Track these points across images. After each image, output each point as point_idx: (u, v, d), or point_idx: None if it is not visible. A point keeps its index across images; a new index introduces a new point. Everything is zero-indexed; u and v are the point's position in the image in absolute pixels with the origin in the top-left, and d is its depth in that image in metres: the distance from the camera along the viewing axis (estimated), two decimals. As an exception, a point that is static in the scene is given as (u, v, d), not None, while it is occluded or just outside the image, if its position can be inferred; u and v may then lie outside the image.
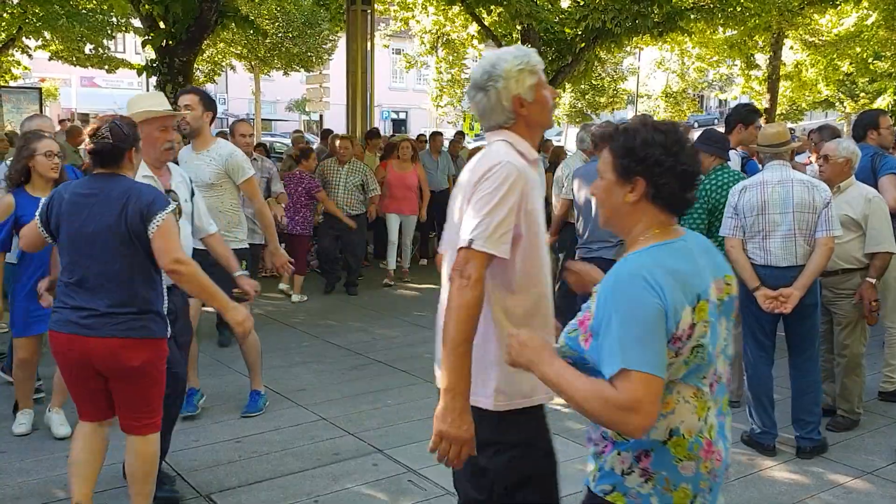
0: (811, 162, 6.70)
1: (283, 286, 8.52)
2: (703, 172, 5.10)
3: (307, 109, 25.92)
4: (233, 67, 26.81)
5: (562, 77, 15.74)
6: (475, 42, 19.42)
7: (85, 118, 23.19)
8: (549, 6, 14.47)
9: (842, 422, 4.82)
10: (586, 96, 30.11)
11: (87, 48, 19.51)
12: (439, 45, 21.98)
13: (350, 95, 13.46)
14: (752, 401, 4.56)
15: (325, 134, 13.28)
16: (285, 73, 26.88)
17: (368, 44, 13.43)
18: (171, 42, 10.07)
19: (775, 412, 4.54)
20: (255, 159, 6.44)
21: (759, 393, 4.52)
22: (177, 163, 4.42)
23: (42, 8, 14.90)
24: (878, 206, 4.74)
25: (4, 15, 15.65)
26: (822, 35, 21.51)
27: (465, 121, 31.66)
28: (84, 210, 3.04)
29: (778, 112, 23.08)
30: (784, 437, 4.54)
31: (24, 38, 17.74)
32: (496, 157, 2.29)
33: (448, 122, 31.82)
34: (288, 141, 19.50)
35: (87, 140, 3.12)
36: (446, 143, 12.74)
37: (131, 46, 30.67)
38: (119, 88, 30.88)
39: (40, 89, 20.44)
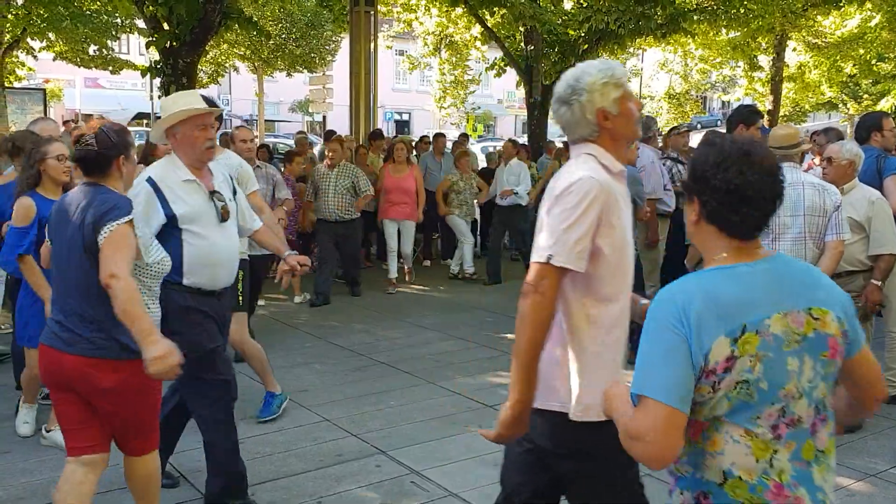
0: (814, 164, 6.68)
1: (297, 299, 8.42)
2: None
3: (310, 111, 25.97)
4: (236, 69, 26.86)
5: (565, 78, 15.75)
6: (478, 44, 19.43)
7: (89, 119, 23.26)
8: (553, 8, 14.50)
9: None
10: (589, 97, 30.02)
11: (91, 49, 19.55)
12: (442, 46, 22.00)
13: (353, 97, 13.48)
14: None
15: (329, 135, 13.26)
16: (288, 75, 26.93)
17: (372, 45, 13.45)
18: (174, 43, 10.09)
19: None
20: (258, 166, 6.36)
21: None
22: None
23: (46, 9, 14.94)
24: (882, 208, 4.74)
25: (9, 16, 15.68)
26: (826, 37, 21.49)
27: (468, 122, 31.68)
28: (65, 221, 2.97)
29: (781, 114, 23.07)
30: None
31: (28, 40, 17.78)
32: (578, 172, 2.30)
33: (451, 124, 31.83)
34: (291, 142, 19.52)
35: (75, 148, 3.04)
36: (449, 145, 12.77)
37: (135, 48, 30.73)
38: (123, 89, 30.98)
39: (44, 90, 20.48)
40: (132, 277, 2.82)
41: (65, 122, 17.63)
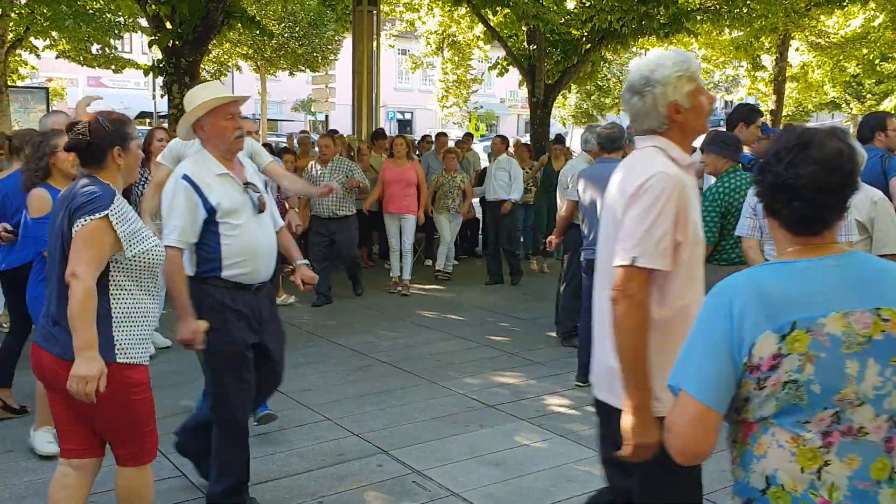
0: None
1: (280, 300, 8.34)
2: (715, 174, 5.10)
3: (313, 110, 25.95)
4: (239, 68, 26.83)
5: (567, 78, 15.75)
6: (481, 43, 19.43)
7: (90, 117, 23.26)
8: (556, 7, 14.47)
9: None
10: (592, 97, 30.08)
11: (94, 48, 19.55)
12: (445, 45, 21.99)
13: (356, 96, 13.49)
14: None
15: (331, 134, 13.30)
16: (291, 74, 26.92)
17: (374, 44, 13.45)
18: (177, 42, 10.10)
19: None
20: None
21: None
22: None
23: (49, 8, 14.94)
24: (884, 209, 4.72)
25: (12, 15, 15.69)
26: (829, 36, 21.45)
27: (470, 121, 31.67)
28: (55, 215, 2.93)
29: (784, 113, 23.05)
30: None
31: (31, 39, 17.78)
32: (649, 168, 2.28)
33: (454, 123, 31.81)
34: (294, 141, 19.53)
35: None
36: (451, 144, 12.76)
37: (138, 46, 30.74)
38: (126, 88, 30.98)
39: (47, 89, 20.48)
40: (92, 279, 2.66)
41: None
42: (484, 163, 13.66)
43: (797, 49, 22.67)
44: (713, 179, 5.37)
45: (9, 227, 4.57)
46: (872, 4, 17.14)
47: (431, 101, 30.82)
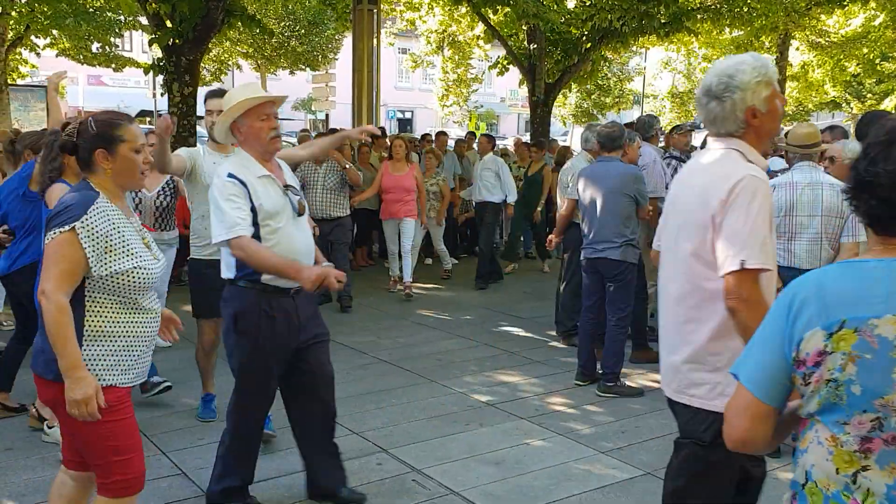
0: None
1: None
2: None
3: (313, 108, 25.93)
4: (239, 66, 26.83)
5: (568, 77, 15.75)
6: (481, 42, 19.42)
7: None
8: (556, 6, 14.46)
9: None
10: (592, 96, 30.09)
11: (95, 47, 19.55)
12: (445, 44, 22.00)
13: (356, 95, 13.49)
14: None
15: (331, 133, 13.31)
16: (291, 73, 26.93)
17: (374, 42, 13.45)
18: (177, 41, 10.10)
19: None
20: None
21: None
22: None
23: (50, 6, 14.95)
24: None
25: (12, 13, 15.70)
26: (829, 36, 21.46)
27: (470, 120, 31.67)
28: None
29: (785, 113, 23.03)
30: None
31: (32, 37, 17.79)
32: (736, 172, 2.34)
33: (454, 122, 31.83)
34: (294, 140, 19.54)
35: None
36: (451, 143, 12.76)
37: (138, 45, 30.74)
38: (126, 87, 31.00)
39: (46, 88, 20.47)
40: (65, 295, 2.47)
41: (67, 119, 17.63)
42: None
43: (797, 48, 22.69)
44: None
45: (7, 227, 4.57)
46: (873, 4, 17.14)
47: (432, 100, 30.84)
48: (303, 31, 24.44)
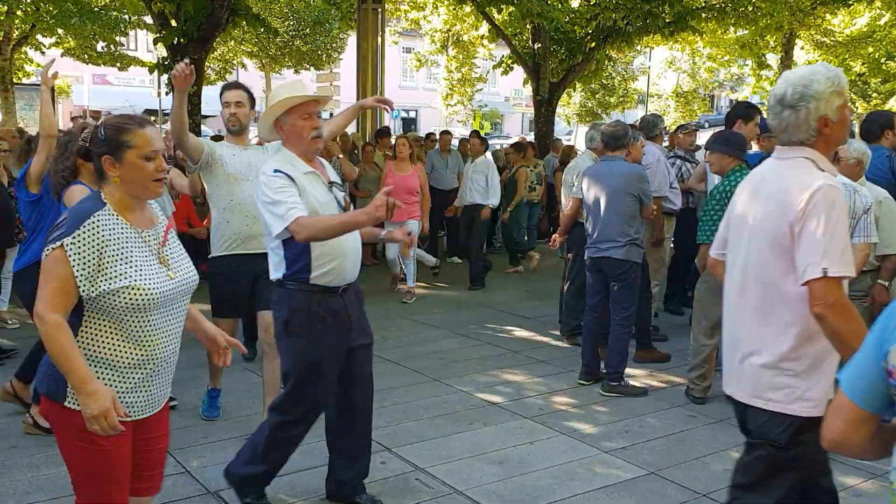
0: None
1: None
2: (721, 173, 5.09)
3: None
4: (243, 66, 26.86)
5: (572, 76, 15.74)
6: (485, 41, 19.41)
7: (96, 115, 23.31)
8: (560, 5, 14.47)
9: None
10: (596, 95, 30.04)
11: (100, 46, 19.59)
12: (450, 43, 21.99)
13: (360, 94, 13.49)
14: None
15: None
16: (296, 72, 26.93)
17: (379, 41, 13.45)
18: (182, 40, 10.13)
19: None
20: None
21: None
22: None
23: (55, 6, 15.00)
24: (889, 208, 4.71)
25: (18, 13, 15.74)
26: (835, 35, 21.41)
27: (474, 119, 31.66)
28: None
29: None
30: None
31: (37, 36, 17.83)
32: (813, 181, 2.39)
33: (458, 121, 31.83)
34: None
35: None
36: (455, 143, 12.74)
37: (143, 44, 30.78)
38: (131, 86, 31.04)
39: (53, 88, 20.50)
40: (62, 314, 2.31)
41: (73, 119, 17.67)
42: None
43: (802, 48, 22.61)
44: (716, 179, 5.37)
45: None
46: (878, 3, 17.09)
47: (436, 100, 30.84)
48: (307, 30, 24.46)
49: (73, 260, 2.30)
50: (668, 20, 13.85)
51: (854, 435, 1.69)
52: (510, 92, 42.13)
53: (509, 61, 16.48)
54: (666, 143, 8.07)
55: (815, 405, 2.44)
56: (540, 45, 14.97)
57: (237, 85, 4.66)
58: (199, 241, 7.62)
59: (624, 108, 32.34)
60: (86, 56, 19.92)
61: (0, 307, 7.10)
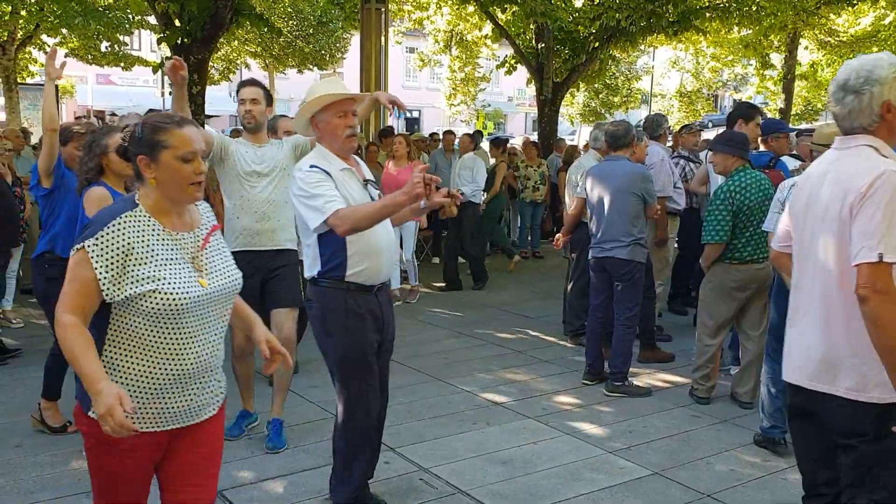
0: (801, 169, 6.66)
1: None
2: (724, 173, 5.08)
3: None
4: (247, 66, 26.89)
5: (575, 76, 15.73)
6: (489, 41, 19.40)
7: (101, 115, 23.35)
8: (564, 5, 14.46)
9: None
10: (600, 95, 30.04)
11: (104, 46, 19.61)
12: (453, 43, 21.99)
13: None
14: (766, 397, 4.53)
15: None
16: (299, 72, 26.97)
17: (382, 40, 13.44)
18: (186, 40, 10.14)
19: (779, 413, 4.53)
20: None
21: (777, 390, 4.48)
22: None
23: (59, 6, 15.01)
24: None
25: (22, 13, 15.76)
26: (839, 35, 21.35)
27: (478, 119, 31.65)
28: None
29: (793, 112, 22.96)
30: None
31: (41, 36, 17.85)
32: (875, 167, 2.39)
33: (461, 121, 31.82)
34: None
35: None
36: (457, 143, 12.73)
37: (147, 44, 30.83)
38: (135, 86, 31.08)
39: (57, 85, 20.51)
40: (80, 318, 2.23)
41: (77, 118, 17.71)
42: (492, 161, 13.63)
43: (806, 48, 22.55)
44: (720, 180, 5.36)
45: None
46: (882, 3, 17.04)
47: (439, 99, 30.84)
48: (311, 30, 24.47)
49: (96, 262, 2.21)
50: (671, 20, 13.83)
51: None
52: (513, 92, 42.13)
53: (512, 61, 16.47)
54: (670, 143, 8.07)
55: (892, 390, 2.39)
56: (543, 44, 14.96)
57: (253, 82, 4.60)
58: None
59: (627, 108, 32.33)
60: (89, 56, 19.94)
61: (4, 306, 7.11)
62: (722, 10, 14.48)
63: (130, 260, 2.24)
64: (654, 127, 6.90)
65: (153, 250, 2.27)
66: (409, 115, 42.03)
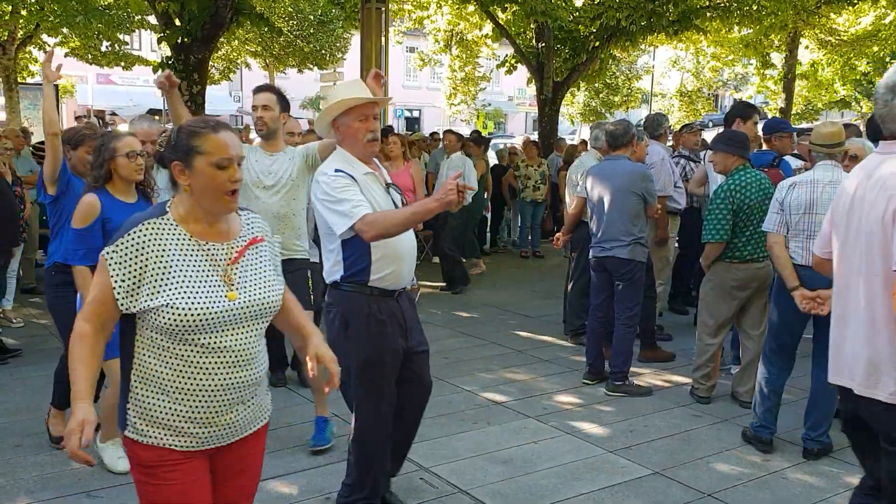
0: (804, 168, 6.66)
1: None
2: (724, 172, 5.08)
3: (321, 107, 25.94)
4: (248, 65, 26.92)
5: (576, 75, 15.72)
6: (489, 41, 19.40)
7: (101, 115, 23.36)
8: (564, 4, 14.45)
9: (858, 423, 4.77)
10: (600, 95, 30.05)
11: (104, 45, 19.62)
12: (453, 43, 21.99)
13: (364, 93, 13.46)
14: (759, 396, 4.54)
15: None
16: (299, 71, 26.99)
17: (382, 41, 13.44)
18: (186, 39, 10.14)
19: (780, 412, 4.53)
20: None
21: (770, 391, 4.49)
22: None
23: (60, 5, 15.01)
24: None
25: (22, 12, 15.77)
26: (839, 34, 21.35)
27: (478, 119, 31.65)
28: None
29: (793, 112, 22.95)
30: (781, 437, 4.51)
31: (42, 36, 17.85)
32: None
33: (462, 121, 31.83)
34: (297, 140, 19.53)
35: None
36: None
37: (147, 44, 30.83)
38: (135, 86, 31.06)
39: (57, 86, 20.51)
40: (91, 325, 2.17)
41: (76, 118, 17.72)
42: (492, 160, 13.63)
43: (807, 47, 22.56)
44: (720, 179, 5.36)
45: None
46: (883, 2, 17.03)
47: (439, 99, 30.85)
48: (311, 29, 24.50)
49: (113, 270, 2.12)
50: (672, 19, 13.82)
51: None
52: (514, 91, 42.13)
53: (513, 60, 16.46)
54: (670, 143, 8.06)
55: None
56: (543, 44, 14.95)
57: (266, 87, 4.48)
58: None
59: (628, 108, 32.34)
60: (89, 56, 19.95)
61: (5, 306, 7.11)
62: (722, 10, 14.48)
63: (147, 270, 2.13)
64: (655, 126, 6.89)
65: (174, 260, 2.16)
66: (408, 114, 42.13)
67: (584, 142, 10.47)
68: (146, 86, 30.67)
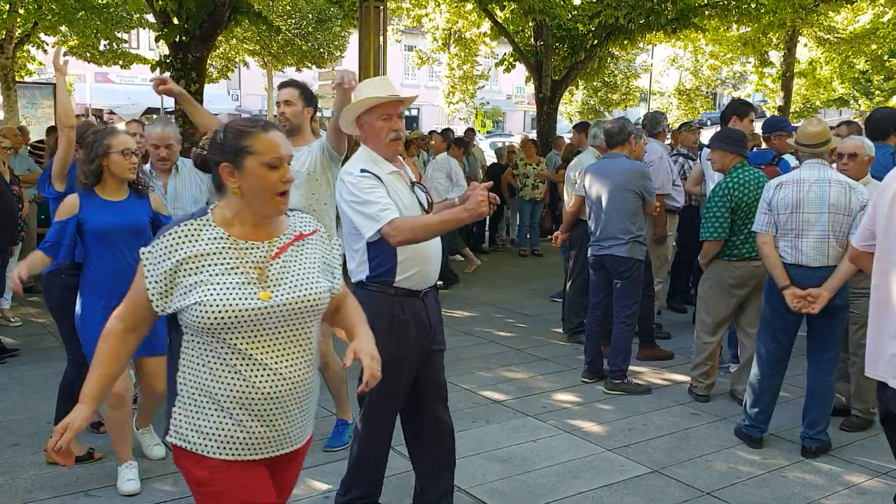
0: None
1: None
2: (722, 171, 5.08)
3: (320, 105, 25.94)
4: (246, 64, 26.88)
5: (574, 74, 15.72)
6: (487, 39, 19.38)
7: (99, 114, 23.32)
8: (562, 2, 14.45)
9: (856, 422, 4.78)
10: (599, 93, 30.05)
11: (102, 44, 19.59)
12: (451, 41, 21.96)
13: (362, 92, 13.45)
14: (751, 395, 4.53)
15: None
16: (298, 70, 26.95)
17: (381, 40, 13.43)
18: (184, 38, 10.11)
19: (778, 410, 4.54)
20: None
21: (763, 390, 4.48)
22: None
23: (58, 3, 14.98)
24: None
25: (20, 10, 15.73)
26: (838, 32, 21.36)
27: (476, 117, 31.63)
28: None
29: (792, 110, 22.95)
30: (780, 435, 4.51)
31: (40, 34, 17.82)
32: None
33: (460, 119, 31.81)
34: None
35: None
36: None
37: (145, 42, 30.80)
38: (133, 84, 31.03)
39: (55, 84, 20.50)
40: (123, 323, 2.18)
41: (76, 117, 17.63)
42: (491, 159, 13.64)
43: (805, 45, 22.58)
44: (717, 177, 5.36)
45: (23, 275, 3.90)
46: (881, 0, 17.03)
47: (438, 97, 30.82)
48: (309, 28, 24.47)
49: (147, 271, 2.10)
50: (670, 17, 13.82)
51: None
52: (512, 90, 42.11)
53: (511, 59, 16.46)
54: (669, 141, 8.06)
55: None
56: (542, 42, 14.95)
57: (289, 83, 4.41)
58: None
59: (626, 106, 32.33)
60: (88, 55, 19.91)
61: (3, 305, 7.10)
62: (721, 8, 14.48)
63: (181, 270, 2.09)
64: (654, 124, 6.89)
65: (208, 259, 2.10)
66: (406, 112, 42.00)
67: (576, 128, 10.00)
68: (144, 84, 30.62)
